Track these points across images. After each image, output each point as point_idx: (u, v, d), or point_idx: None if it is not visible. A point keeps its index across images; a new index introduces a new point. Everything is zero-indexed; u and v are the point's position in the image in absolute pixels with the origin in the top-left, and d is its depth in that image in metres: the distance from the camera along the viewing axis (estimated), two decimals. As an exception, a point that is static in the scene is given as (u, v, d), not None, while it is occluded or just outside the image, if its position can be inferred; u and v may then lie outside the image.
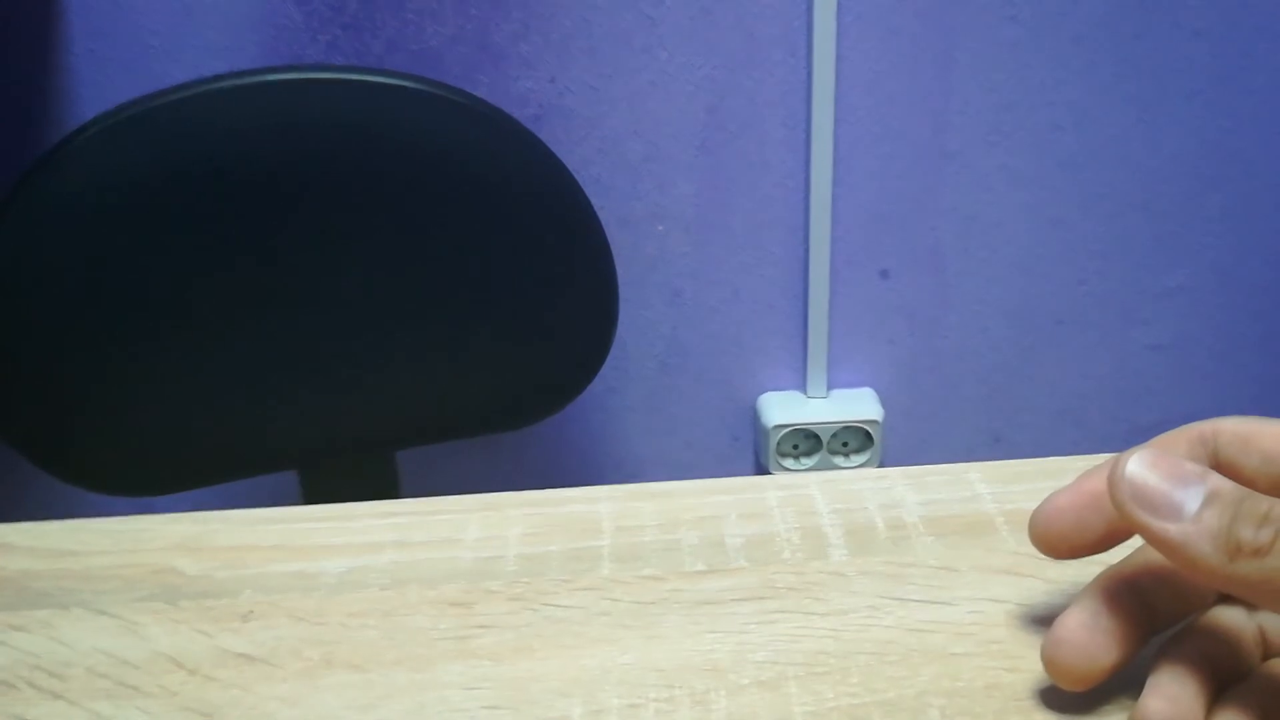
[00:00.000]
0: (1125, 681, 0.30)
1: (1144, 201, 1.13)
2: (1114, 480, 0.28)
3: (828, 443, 1.15)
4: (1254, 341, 1.20)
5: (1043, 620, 0.33)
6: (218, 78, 0.72)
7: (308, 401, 0.80)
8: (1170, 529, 0.27)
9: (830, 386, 1.17)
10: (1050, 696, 0.31)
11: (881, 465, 1.20)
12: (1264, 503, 0.26)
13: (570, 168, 0.79)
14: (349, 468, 0.84)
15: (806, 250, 1.11)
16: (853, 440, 1.16)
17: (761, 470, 1.18)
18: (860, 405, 1.15)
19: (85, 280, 0.74)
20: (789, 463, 1.16)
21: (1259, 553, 0.25)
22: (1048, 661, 0.30)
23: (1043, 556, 0.31)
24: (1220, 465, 0.30)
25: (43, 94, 0.99)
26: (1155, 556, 0.29)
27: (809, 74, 1.04)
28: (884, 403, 1.17)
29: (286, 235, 0.76)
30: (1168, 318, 1.18)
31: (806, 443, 1.16)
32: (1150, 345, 1.19)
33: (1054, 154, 1.10)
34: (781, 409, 1.14)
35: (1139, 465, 0.27)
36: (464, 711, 0.31)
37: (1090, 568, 0.31)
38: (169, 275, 0.75)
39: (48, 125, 1.00)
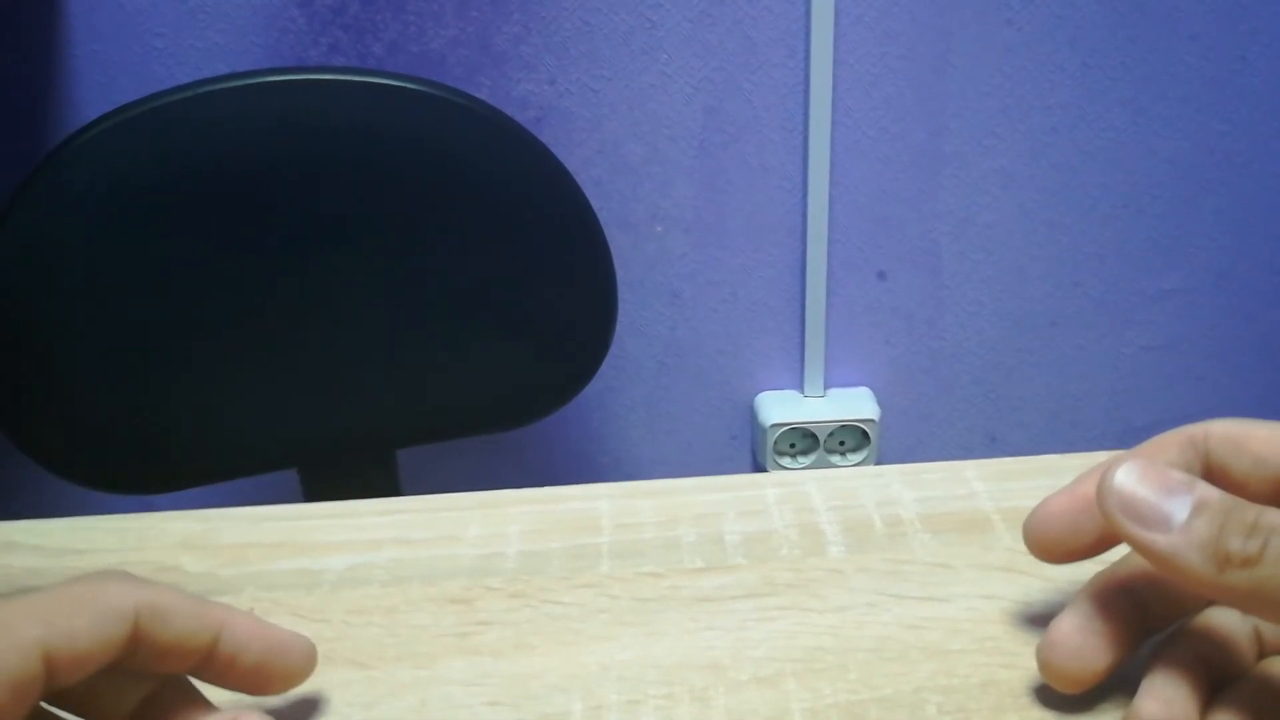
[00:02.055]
0: (1121, 681, 0.30)
1: (1139, 204, 1.13)
2: (1102, 491, 0.28)
3: (825, 442, 1.15)
4: (1249, 343, 1.20)
5: (1038, 617, 0.34)
6: (220, 79, 0.73)
7: (309, 400, 0.80)
8: (1159, 540, 0.26)
9: (827, 386, 1.17)
10: (1045, 693, 0.31)
11: (878, 464, 1.20)
12: (1251, 512, 0.26)
13: (570, 169, 0.79)
14: (350, 466, 0.84)
15: (804, 251, 1.11)
16: (850, 439, 1.17)
17: (759, 469, 1.19)
18: (857, 404, 1.16)
19: (88, 280, 0.74)
20: (786, 461, 1.16)
21: (1248, 563, 0.25)
22: (1043, 665, 0.30)
23: (1038, 555, 0.31)
24: (1212, 467, 0.30)
25: (46, 95, 0.99)
26: None
27: (807, 77, 1.04)
28: (881, 402, 1.17)
29: (288, 235, 0.76)
30: (1162, 319, 1.18)
31: (804, 441, 1.16)
32: (1145, 346, 1.19)
33: (1050, 157, 1.10)
34: (779, 408, 1.15)
35: (1126, 476, 0.27)
36: (466, 708, 0.31)
37: (1087, 565, 0.32)
38: (171, 275, 0.75)
39: (51, 126, 1.00)
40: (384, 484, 0.86)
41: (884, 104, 1.07)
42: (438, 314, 0.80)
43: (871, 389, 1.18)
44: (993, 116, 1.08)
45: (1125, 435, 1.22)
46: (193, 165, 0.73)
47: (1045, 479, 0.40)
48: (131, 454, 0.79)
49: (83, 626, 0.26)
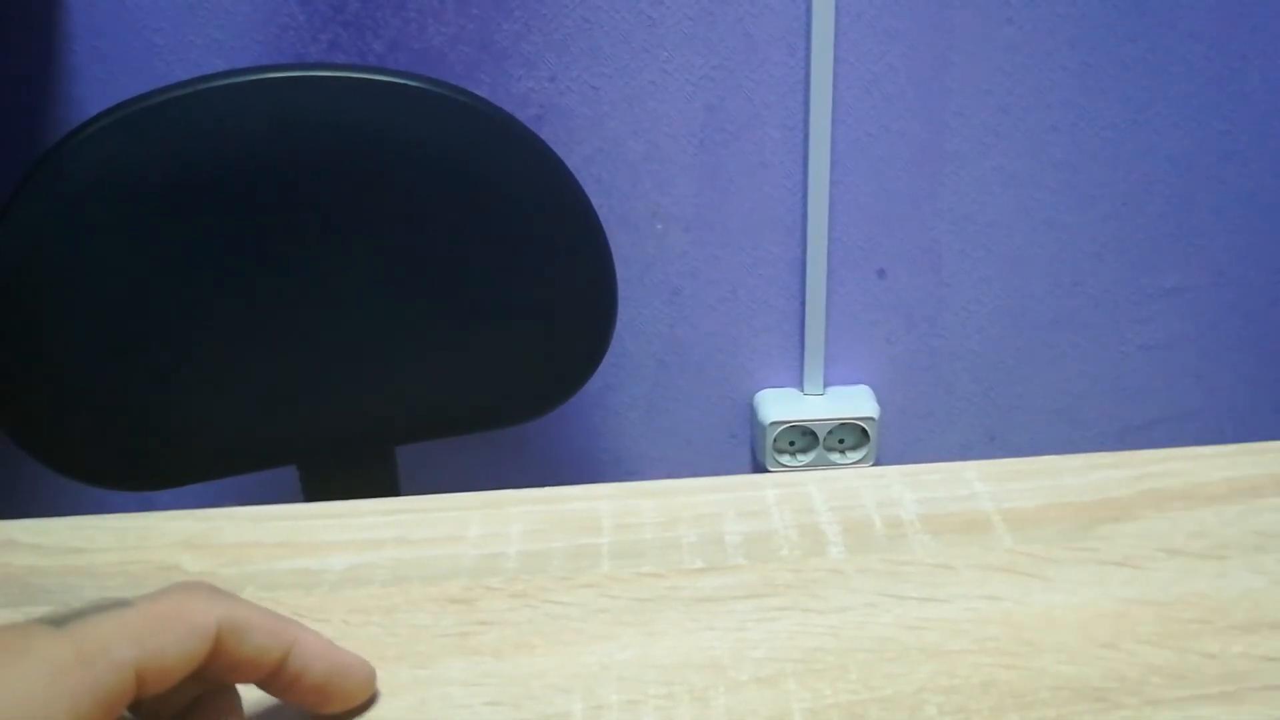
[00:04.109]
0: (1125, 678, 0.30)
1: (1139, 202, 1.13)
2: None
3: (824, 440, 1.15)
4: (1247, 342, 1.20)
5: (1039, 618, 0.34)
6: (220, 75, 0.72)
7: (308, 397, 0.80)
8: None
9: (827, 384, 1.17)
10: (1046, 694, 0.31)
11: (877, 462, 1.20)
12: None
13: (570, 167, 0.79)
14: (349, 463, 0.84)
15: (804, 249, 1.11)
16: (849, 437, 1.17)
17: (758, 466, 1.19)
18: (857, 402, 1.16)
19: (88, 276, 0.74)
20: (786, 459, 1.16)
21: None
22: None
23: (1039, 554, 0.31)
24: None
25: (46, 92, 0.99)
26: None
27: (807, 74, 1.04)
28: (880, 400, 1.17)
29: (287, 232, 0.76)
30: (1162, 318, 1.18)
31: (803, 439, 1.16)
32: (1144, 345, 1.19)
33: (1050, 155, 1.10)
34: (778, 406, 1.15)
35: None
36: (466, 708, 0.31)
37: (1090, 566, 0.32)
38: (170, 271, 0.75)
39: (51, 123, 1.00)
40: (383, 481, 0.86)
41: (884, 102, 1.07)
42: (437, 311, 0.80)
43: (871, 387, 1.18)
44: (993, 115, 1.08)
45: (1125, 434, 1.22)
46: (193, 162, 0.73)
47: (1046, 480, 0.40)
48: (130, 450, 0.79)
49: (171, 643, 0.27)
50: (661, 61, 1.03)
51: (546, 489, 0.41)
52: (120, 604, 0.27)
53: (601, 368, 0.85)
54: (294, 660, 0.29)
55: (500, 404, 0.84)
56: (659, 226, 1.09)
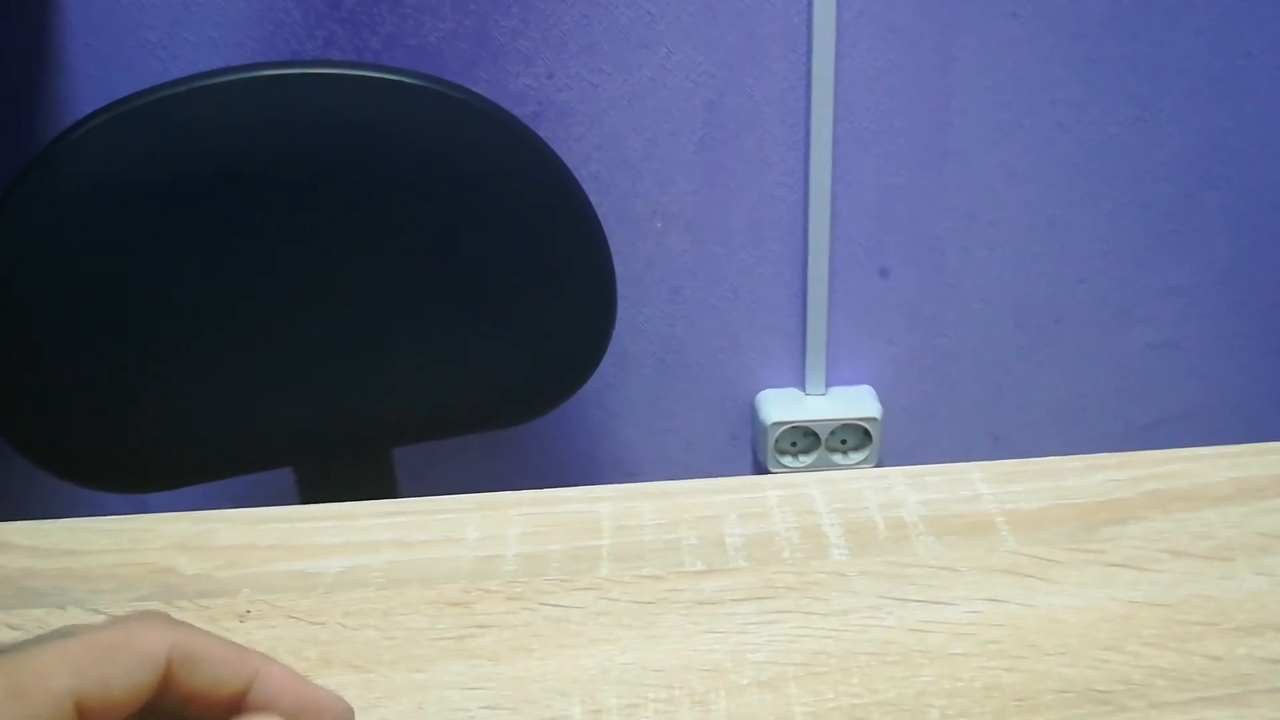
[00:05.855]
0: (1130, 681, 0.30)
1: (1143, 200, 1.13)
2: None
3: (826, 440, 1.15)
4: (1254, 340, 1.20)
5: (1042, 620, 0.33)
6: (215, 73, 0.72)
7: (304, 397, 0.80)
8: None
9: (829, 384, 1.17)
10: (1049, 698, 0.31)
11: (880, 463, 1.20)
12: None
13: (569, 165, 0.79)
14: (346, 464, 0.84)
15: (805, 248, 1.10)
16: (851, 438, 1.16)
17: (760, 468, 1.18)
18: (859, 403, 1.15)
19: (82, 275, 0.74)
20: (788, 460, 1.16)
21: None
22: None
23: (1043, 556, 0.31)
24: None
25: (40, 90, 0.99)
26: None
27: (809, 71, 1.04)
28: (883, 401, 1.17)
29: (283, 230, 0.76)
30: (1167, 317, 1.18)
31: (805, 440, 1.16)
32: (1149, 344, 1.19)
33: (1053, 153, 1.10)
34: (780, 406, 1.14)
35: None
36: (463, 711, 0.31)
37: (1093, 569, 0.31)
38: (165, 270, 0.75)
39: (46, 121, 1.00)
40: (380, 483, 0.85)
41: (887, 99, 1.06)
42: (434, 310, 0.79)
43: (873, 387, 1.17)
44: (996, 112, 1.08)
45: (1129, 434, 1.22)
46: (188, 160, 0.73)
47: (1049, 481, 0.40)
48: (125, 452, 0.79)
49: (115, 674, 0.26)
50: (661, 58, 1.03)
51: (545, 491, 0.40)
52: (63, 634, 0.26)
53: (601, 368, 0.85)
54: (257, 694, 0.28)
55: (498, 404, 0.84)
56: (658, 225, 1.09)
